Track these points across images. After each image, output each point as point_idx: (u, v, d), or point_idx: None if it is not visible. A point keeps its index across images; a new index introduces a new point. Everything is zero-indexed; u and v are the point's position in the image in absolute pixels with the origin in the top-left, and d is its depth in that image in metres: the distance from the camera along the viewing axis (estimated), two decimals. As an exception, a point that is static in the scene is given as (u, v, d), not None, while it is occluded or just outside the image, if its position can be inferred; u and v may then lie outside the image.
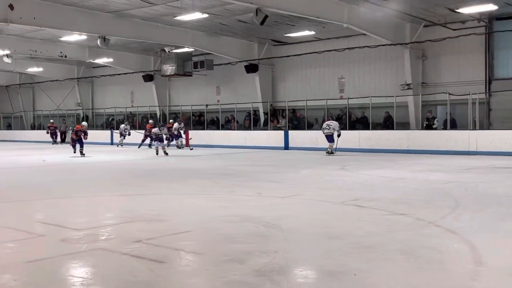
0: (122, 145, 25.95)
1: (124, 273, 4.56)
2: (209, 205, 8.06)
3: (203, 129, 26.94)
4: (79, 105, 34.27)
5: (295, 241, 5.69)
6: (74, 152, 18.86)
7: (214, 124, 27.25)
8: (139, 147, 24.37)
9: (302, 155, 16.04)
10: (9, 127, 38.82)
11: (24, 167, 15.70)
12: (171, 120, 25.16)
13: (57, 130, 31.26)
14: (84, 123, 20.15)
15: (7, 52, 23.65)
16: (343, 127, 20.28)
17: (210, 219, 6.89)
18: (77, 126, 19.82)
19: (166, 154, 19.43)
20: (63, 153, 20.60)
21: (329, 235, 5.84)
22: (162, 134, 20.50)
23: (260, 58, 25.24)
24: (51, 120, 31.70)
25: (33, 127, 37.35)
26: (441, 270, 4.52)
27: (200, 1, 17.35)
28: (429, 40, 20.53)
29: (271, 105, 25.79)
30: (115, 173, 13.76)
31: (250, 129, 25.06)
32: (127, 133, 26.10)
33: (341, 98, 23.24)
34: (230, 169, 13.82)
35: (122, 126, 26.81)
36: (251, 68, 25.25)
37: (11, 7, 15.91)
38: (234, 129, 25.95)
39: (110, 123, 32.05)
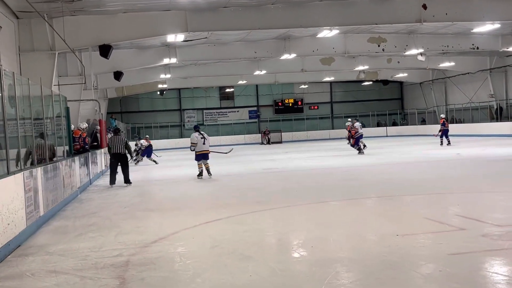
0: None
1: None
2: None
3: None
4: (492, 97, 33.14)
5: None
6: None
7: None
8: None
9: None
10: (423, 122, 40.48)
11: (439, 161, 16.15)
12: None
13: None
14: None
15: (420, 50, 24.72)
16: None
17: None
18: None
19: None
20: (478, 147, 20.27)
21: None
22: None
23: None
24: None
25: (445, 121, 37.97)
26: None
27: None
28: None
29: None
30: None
31: None
32: None
33: None
34: None
35: None
36: None
37: (424, 7, 16.66)
38: None
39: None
